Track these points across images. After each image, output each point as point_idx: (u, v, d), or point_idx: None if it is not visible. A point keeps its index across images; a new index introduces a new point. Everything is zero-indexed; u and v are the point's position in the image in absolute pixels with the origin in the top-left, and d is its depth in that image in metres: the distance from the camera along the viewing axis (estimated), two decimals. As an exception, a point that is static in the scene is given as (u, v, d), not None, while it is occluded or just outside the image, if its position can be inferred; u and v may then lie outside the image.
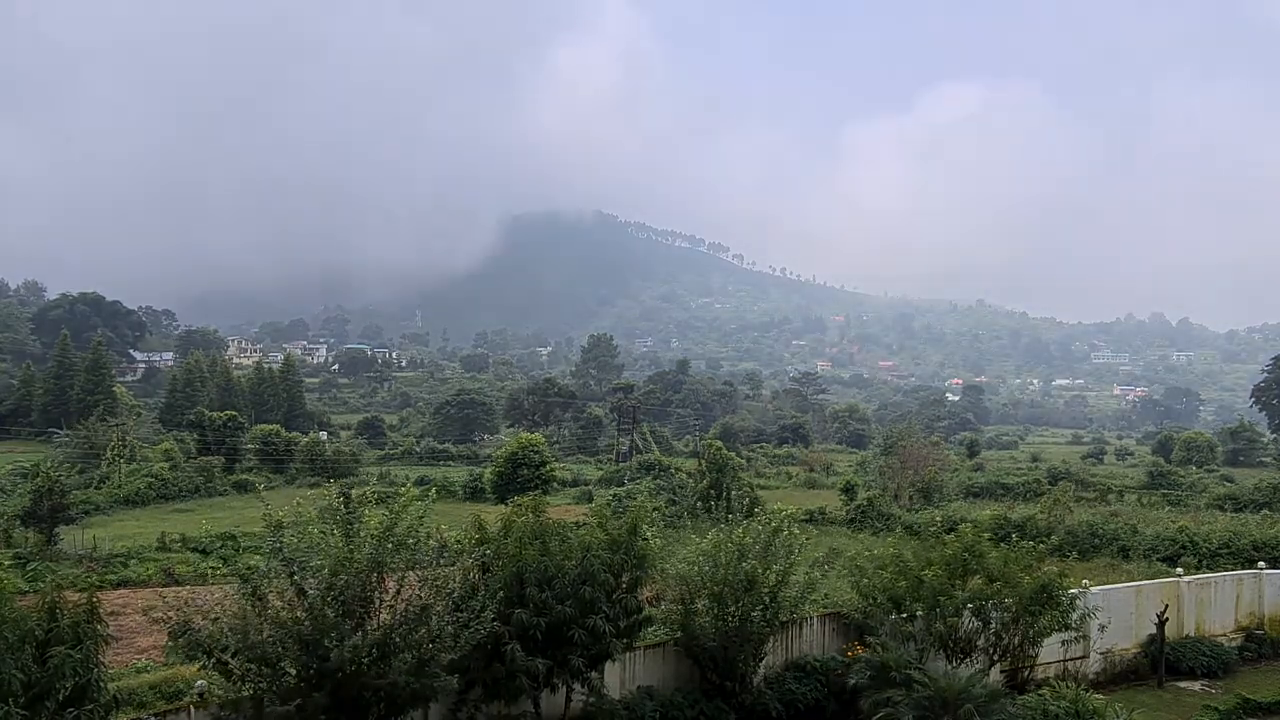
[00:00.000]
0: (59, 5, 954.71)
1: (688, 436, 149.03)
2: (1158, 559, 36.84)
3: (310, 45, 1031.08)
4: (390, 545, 14.15)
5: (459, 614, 14.59)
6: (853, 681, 18.94)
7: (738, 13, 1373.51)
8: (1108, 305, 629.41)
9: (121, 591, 33.57)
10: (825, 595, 23.47)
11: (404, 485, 70.44)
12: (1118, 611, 24.31)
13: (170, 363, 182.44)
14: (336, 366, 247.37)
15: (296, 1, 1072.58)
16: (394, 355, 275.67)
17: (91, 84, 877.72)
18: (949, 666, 19.16)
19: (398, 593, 14.26)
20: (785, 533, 19.38)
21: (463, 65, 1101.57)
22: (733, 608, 18.44)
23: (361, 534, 14.20)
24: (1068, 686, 18.72)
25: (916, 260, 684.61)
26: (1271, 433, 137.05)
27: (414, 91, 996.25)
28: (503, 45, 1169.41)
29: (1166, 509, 53.04)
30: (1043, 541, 24.83)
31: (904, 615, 20.25)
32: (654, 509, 23.07)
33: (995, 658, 20.50)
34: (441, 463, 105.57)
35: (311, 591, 13.48)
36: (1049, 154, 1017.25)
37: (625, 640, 17.97)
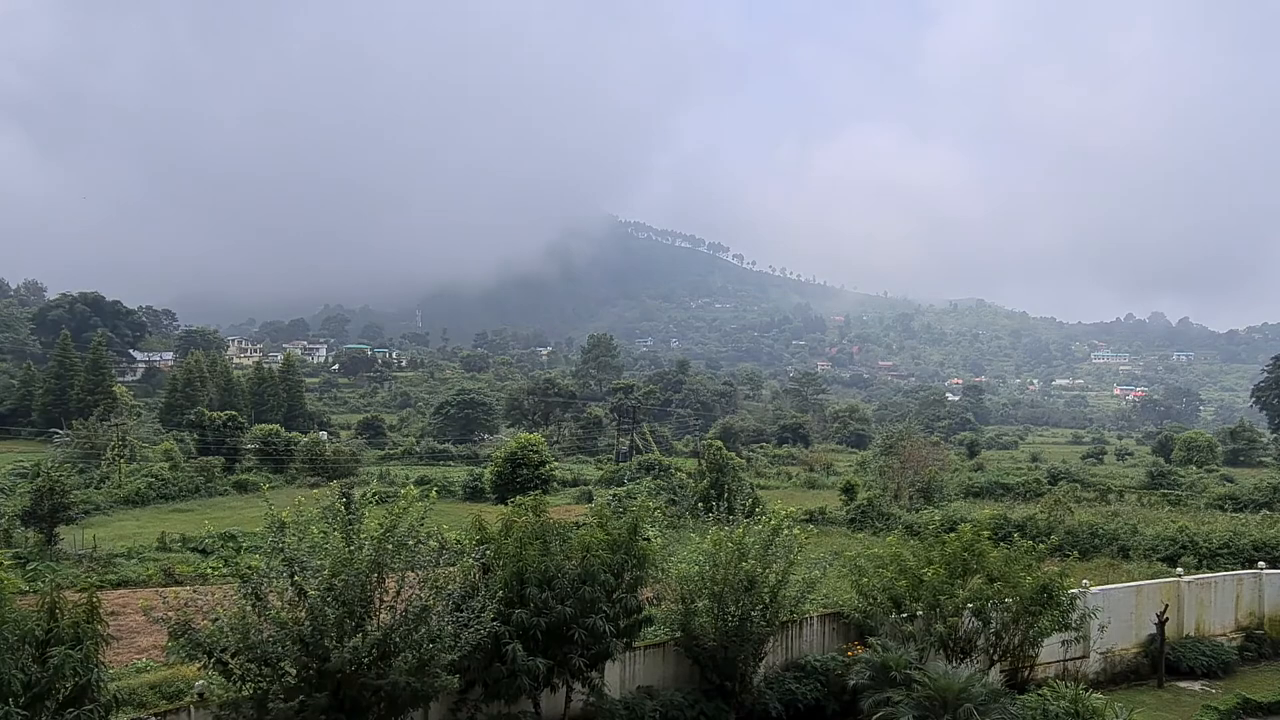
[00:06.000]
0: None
1: (688, 436, 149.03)
2: (1158, 559, 36.87)
3: (315, 45, 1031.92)
4: (390, 546, 14.14)
5: (459, 614, 14.59)
6: (853, 681, 18.93)
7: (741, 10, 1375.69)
8: (1108, 305, 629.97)
9: (121, 591, 33.55)
10: (825, 595, 23.46)
11: (404, 485, 70.69)
12: (1118, 611, 24.31)
13: (170, 363, 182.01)
14: (336, 366, 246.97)
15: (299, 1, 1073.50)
16: (394, 355, 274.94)
17: (92, 83, 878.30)
18: (949, 666, 19.14)
19: (398, 593, 14.25)
20: (785, 533, 19.37)
21: (462, 64, 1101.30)
22: (733, 608, 18.43)
23: (362, 535, 14.18)
24: (1068, 686, 18.68)
25: (916, 259, 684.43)
26: (1271, 433, 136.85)
27: (415, 90, 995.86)
28: (504, 46, 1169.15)
29: (1166, 509, 52.97)
30: (1043, 541, 24.82)
31: (904, 615, 20.24)
32: (655, 509, 23.03)
33: (995, 658, 20.50)
34: (441, 463, 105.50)
35: (312, 592, 13.48)
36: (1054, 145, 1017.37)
37: (625, 640, 18.00)
